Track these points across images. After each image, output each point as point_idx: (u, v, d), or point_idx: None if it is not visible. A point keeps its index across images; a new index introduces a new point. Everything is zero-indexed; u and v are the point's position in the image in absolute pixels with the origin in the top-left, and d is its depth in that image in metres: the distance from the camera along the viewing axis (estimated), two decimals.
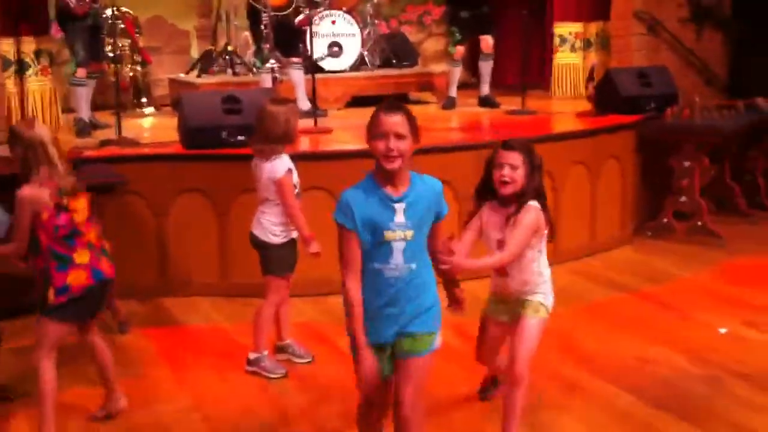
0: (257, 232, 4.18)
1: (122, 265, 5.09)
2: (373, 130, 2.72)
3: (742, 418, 3.49)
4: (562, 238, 5.18)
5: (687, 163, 6.20)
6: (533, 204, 3.15)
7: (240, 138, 5.39)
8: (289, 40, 7.32)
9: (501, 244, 3.17)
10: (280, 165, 4.09)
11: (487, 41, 7.69)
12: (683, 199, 6.25)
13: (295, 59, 7.32)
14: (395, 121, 2.70)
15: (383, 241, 2.74)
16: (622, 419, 3.51)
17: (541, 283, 3.26)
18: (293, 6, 7.42)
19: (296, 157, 5.37)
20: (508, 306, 3.31)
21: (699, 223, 6.13)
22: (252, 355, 4.13)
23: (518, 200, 3.15)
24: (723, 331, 4.48)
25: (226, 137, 5.42)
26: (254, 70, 8.18)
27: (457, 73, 7.94)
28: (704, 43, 7.99)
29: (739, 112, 6.70)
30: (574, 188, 5.86)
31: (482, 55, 7.82)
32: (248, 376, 4.11)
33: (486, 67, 7.83)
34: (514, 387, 3.18)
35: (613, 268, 5.43)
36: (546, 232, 3.21)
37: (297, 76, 7.31)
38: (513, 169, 3.13)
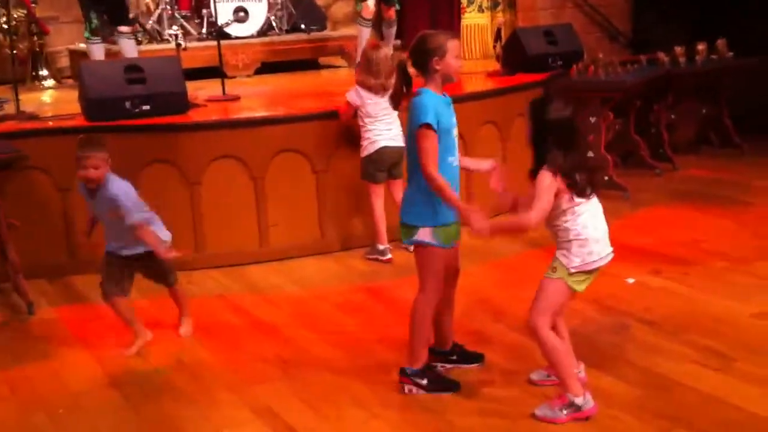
0: None
1: (29, 243, 4.99)
2: (453, 52, 3.36)
3: (650, 363, 3.62)
4: (476, 197, 5.25)
5: (593, 119, 6.34)
6: (544, 171, 3.11)
7: (145, 108, 5.26)
8: (116, 6, 6.91)
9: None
10: None
11: (388, 10, 7.56)
12: (590, 153, 6.38)
13: (124, 28, 6.92)
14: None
15: (451, 137, 3.38)
16: (535, 368, 3.59)
17: (564, 240, 3.20)
18: None
19: (204, 126, 5.35)
20: None
21: (606, 177, 6.29)
22: None
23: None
24: (630, 281, 4.62)
25: (129, 107, 5.28)
26: (158, 37, 7.97)
27: (367, 34, 7.59)
28: None
29: (641, 67, 6.88)
30: (485, 147, 5.93)
31: (385, 22, 7.75)
32: (163, 349, 4.05)
33: (389, 33, 7.77)
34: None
35: None
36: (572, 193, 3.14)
37: (128, 46, 6.92)
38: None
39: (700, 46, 7.12)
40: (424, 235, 3.40)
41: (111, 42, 7.09)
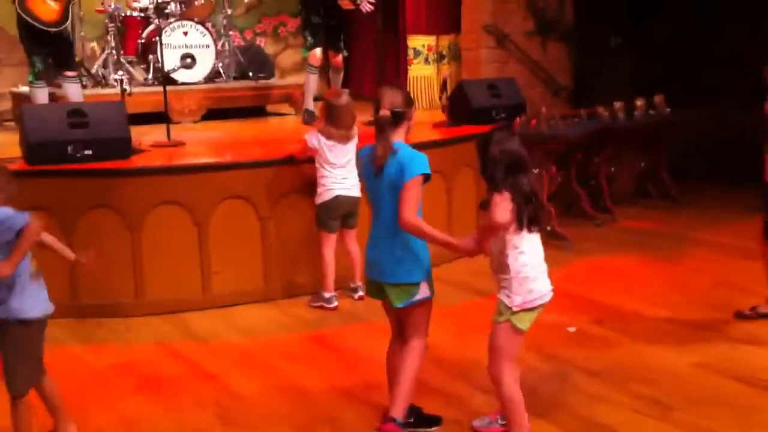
0: None
1: None
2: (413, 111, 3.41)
3: (590, 411, 3.65)
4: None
5: (535, 170, 6.43)
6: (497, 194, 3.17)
7: (87, 152, 5.20)
8: (62, 50, 6.87)
9: None
10: None
11: (335, 57, 7.64)
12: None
13: (69, 72, 6.92)
14: None
15: None
16: (476, 416, 3.59)
17: (505, 279, 3.23)
18: (68, 21, 6.87)
19: (149, 171, 5.30)
20: None
21: (548, 228, 6.38)
22: None
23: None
24: (572, 329, 4.67)
25: (72, 152, 5.21)
26: (103, 82, 7.92)
27: (314, 81, 7.53)
28: (550, 54, 8.36)
29: (582, 120, 7.04)
30: (431, 196, 5.90)
31: (332, 69, 7.80)
32: (98, 396, 3.94)
33: (336, 80, 7.82)
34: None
35: (468, 273, 5.56)
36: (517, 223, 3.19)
37: (73, 90, 6.90)
38: None
39: (639, 102, 7.33)
40: (424, 290, 3.35)
41: (55, 85, 7.02)
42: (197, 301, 5.24)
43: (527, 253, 3.24)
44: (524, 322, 3.25)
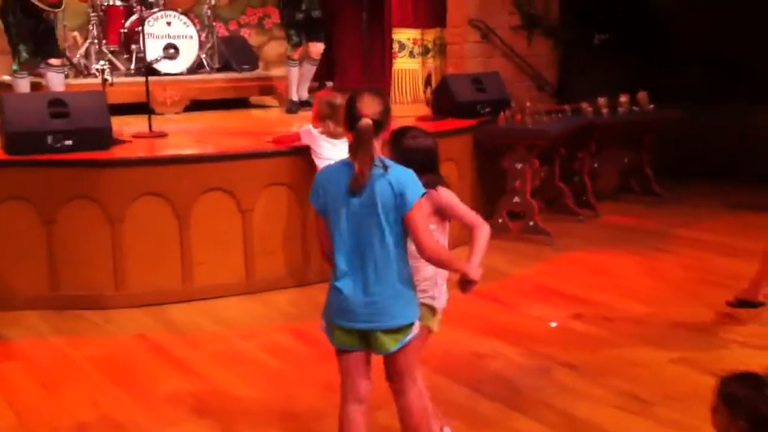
0: None
1: None
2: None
3: (570, 406, 3.65)
4: None
5: (519, 165, 6.45)
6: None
7: (67, 143, 5.15)
8: (47, 38, 6.79)
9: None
10: None
11: (317, 47, 7.65)
12: (516, 199, 6.49)
13: (54, 61, 6.84)
14: None
15: None
16: (458, 411, 3.58)
17: (425, 279, 3.04)
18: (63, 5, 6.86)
19: (130, 162, 5.25)
20: None
21: (531, 223, 6.39)
22: None
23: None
24: (553, 324, 4.68)
25: (51, 142, 5.16)
26: (85, 71, 7.86)
27: (295, 73, 7.75)
28: (535, 49, 8.35)
29: (566, 116, 7.05)
30: None
31: (308, 59, 7.80)
32: (76, 389, 3.91)
33: (309, 70, 7.81)
34: None
35: None
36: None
37: (56, 79, 6.84)
38: None
39: (623, 98, 7.35)
40: (416, 329, 2.88)
41: (37, 75, 6.94)
42: (178, 293, 5.20)
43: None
44: (437, 322, 3.12)
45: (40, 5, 6.51)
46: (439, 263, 2.89)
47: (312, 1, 7.38)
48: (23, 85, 6.72)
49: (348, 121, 2.81)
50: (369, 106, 2.79)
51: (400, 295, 2.81)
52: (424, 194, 2.79)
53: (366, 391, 2.91)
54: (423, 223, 2.79)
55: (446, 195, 3.05)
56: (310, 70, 7.78)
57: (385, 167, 2.76)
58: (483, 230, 3.02)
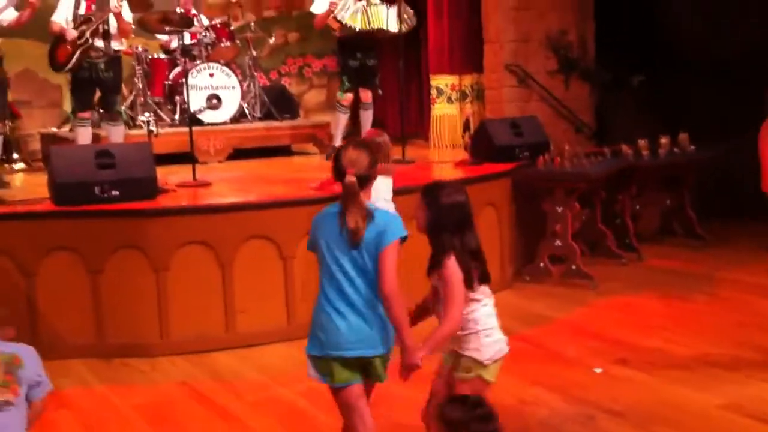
0: None
1: None
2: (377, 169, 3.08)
3: None
4: None
5: (559, 209, 6.43)
6: (449, 261, 3.04)
7: (114, 193, 5.27)
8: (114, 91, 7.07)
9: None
10: None
11: (366, 93, 7.78)
12: (557, 243, 6.46)
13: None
14: None
15: None
16: None
17: (470, 334, 3.10)
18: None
19: (175, 212, 5.35)
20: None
21: (573, 267, 6.35)
22: None
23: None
24: (598, 371, 4.62)
25: (98, 193, 5.28)
26: (130, 123, 8.05)
27: (344, 120, 7.86)
28: (572, 92, 8.38)
29: (605, 158, 7.03)
30: None
31: (362, 105, 7.93)
32: None
33: (366, 116, 7.93)
34: None
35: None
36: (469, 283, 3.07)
37: (117, 133, 7.03)
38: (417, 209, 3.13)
39: (663, 140, 7.31)
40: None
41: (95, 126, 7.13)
42: (221, 340, 5.25)
43: (488, 304, 3.15)
44: (493, 374, 3.14)
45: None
46: (389, 310, 2.95)
47: (368, 50, 7.59)
48: (83, 134, 6.87)
49: (335, 174, 3.03)
50: (353, 163, 2.98)
51: (385, 322, 2.98)
52: (404, 237, 2.95)
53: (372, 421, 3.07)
54: (392, 263, 2.93)
55: (450, 271, 3.03)
56: (367, 115, 7.88)
57: (371, 215, 2.95)
58: (448, 324, 3.03)
